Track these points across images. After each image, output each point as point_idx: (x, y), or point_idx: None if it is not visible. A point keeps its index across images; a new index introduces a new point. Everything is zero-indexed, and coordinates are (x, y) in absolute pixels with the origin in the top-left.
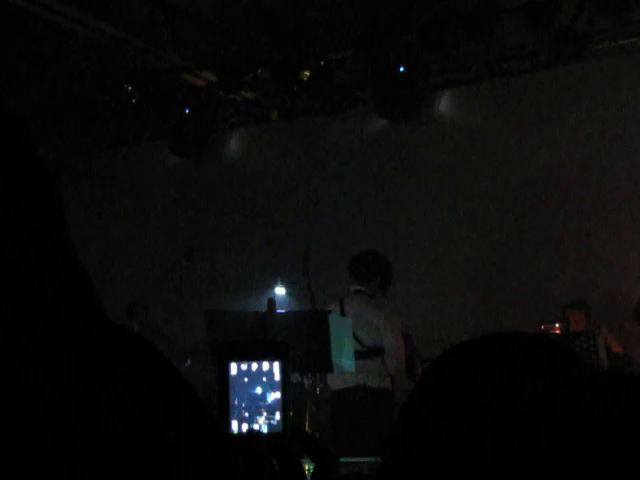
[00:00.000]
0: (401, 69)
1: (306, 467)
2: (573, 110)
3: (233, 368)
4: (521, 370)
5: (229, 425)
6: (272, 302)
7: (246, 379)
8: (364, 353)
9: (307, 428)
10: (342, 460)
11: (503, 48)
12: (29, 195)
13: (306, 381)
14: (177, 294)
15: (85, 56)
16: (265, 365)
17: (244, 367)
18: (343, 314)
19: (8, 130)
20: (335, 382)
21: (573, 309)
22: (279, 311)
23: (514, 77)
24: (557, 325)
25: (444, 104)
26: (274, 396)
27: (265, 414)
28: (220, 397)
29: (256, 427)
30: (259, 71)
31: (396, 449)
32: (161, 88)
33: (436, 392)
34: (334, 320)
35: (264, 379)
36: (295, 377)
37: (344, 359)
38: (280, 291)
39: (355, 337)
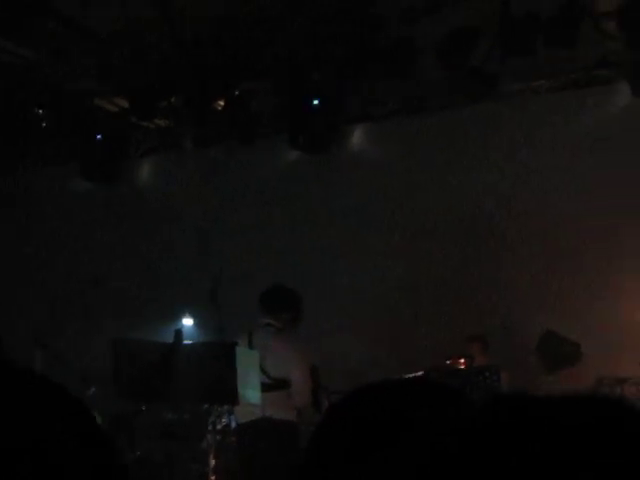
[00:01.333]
0: (315, 102)
1: None
2: (485, 147)
3: None
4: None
5: None
6: (179, 333)
7: None
8: (271, 385)
9: (212, 459)
10: None
11: (418, 85)
12: None
13: (215, 411)
14: (83, 322)
15: None
16: None
17: None
18: (251, 347)
19: None
20: (240, 414)
21: (471, 342)
22: (186, 342)
23: (428, 113)
24: (462, 360)
25: (358, 138)
26: None
27: None
28: None
29: None
30: (173, 99)
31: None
32: (74, 112)
33: (339, 434)
34: (241, 352)
35: None
36: (203, 409)
37: (250, 391)
38: (188, 322)
39: (262, 370)
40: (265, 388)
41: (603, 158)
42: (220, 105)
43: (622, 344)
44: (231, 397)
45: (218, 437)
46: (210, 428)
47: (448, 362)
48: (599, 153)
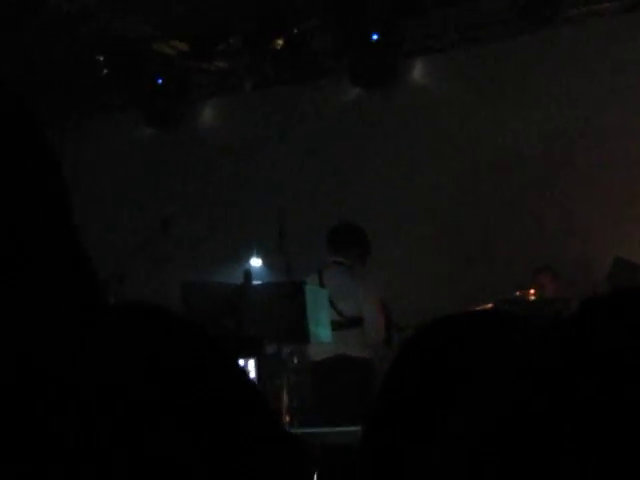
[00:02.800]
0: (374, 37)
1: None
2: (545, 78)
3: None
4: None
5: None
6: (248, 274)
7: None
8: (344, 323)
9: (285, 399)
10: (323, 430)
11: (475, 15)
12: (33, 180)
13: (285, 352)
14: (152, 265)
15: (55, 27)
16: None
17: None
18: (322, 285)
19: (15, 113)
20: (314, 352)
21: (540, 273)
22: (255, 282)
23: (487, 45)
24: (532, 291)
25: (418, 72)
26: None
27: None
28: None
29: None
30: (231, 40)
31: (375, 423)
32: (132, 58)
33: (412, 370)
34: (310, 291)
35: None
36: (272, 348)
37: (321, 330)
38: (256, 263)
39: (334, 308)
40: (338, 326)
41: None
42: (279, 44)
43: None
44: (301, 336)
45: (292, 376)
46: (281, 368)
47: (517, 293)
48: None
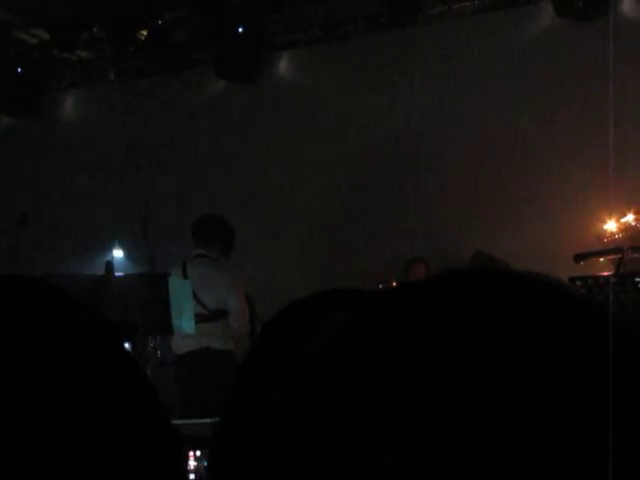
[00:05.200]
0: (240, 29)
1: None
2: (410, 74)
3: None
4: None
5: None
6: (110, 265)
7: None
8: (208, 316)
9: None
10: (187, 422)
11: (340, 11)
12: None
13: (149, 343)
14: (11, 258)
15: None
16: None
17: None
18: (186, 278)
19: None
20: (178, 346)
21: (413, 265)
22: (117, 274)
23: (351, 40)
24: (394, 284)
25: (283, 66)
26: None
27: None
28: None
29: None
30: (94, 30)
31: (230, 409)
32: None
33: (270, 351)
34: (173, 282)
35: None
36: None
37: (184, 322)
38: (118, 254)
39: (198, 300)
40: (202, 319)
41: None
42: (143, 35)
43: (546, 267)
44: (165, 327)
45: (155, 370)
46: (145, 361)
47: (381, 287)
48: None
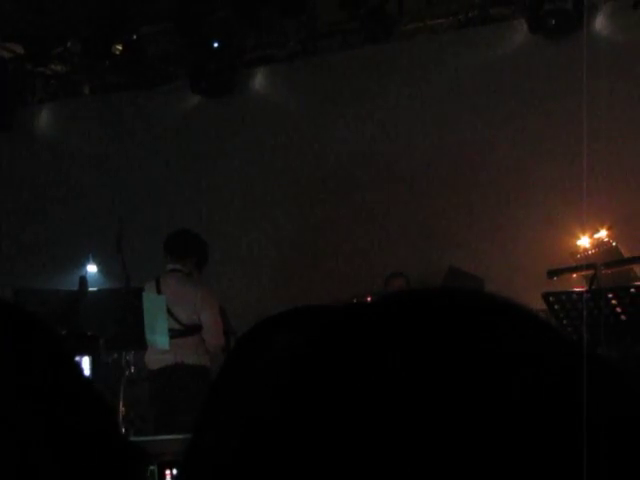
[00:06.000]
0: (215, 45)
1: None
2: (385, 89)
3: None
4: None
5: None
6: (84, 280)
7: None
8: (182, 331)
9: (122, 407)
10: (161, 438)
11: (316, 26)
12: None
13: (123, 359)
14: None
15: None
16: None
17: None
18: (159, 293)
19: None
20: (152, 361)
21: (394, 279)
22: (91, 289)
23: (326, 56)
24: (369, 299)
25: (258, 81)
26: None
27: None
28: None
29: None
30: (69, 44)
31: (199, 426)
32: None
33: (240, 367)
34: (147, 298)
35: None
36: (110, 356)
37: (158, 337)
38: (92, 269)
39: (172, 315)
40: (176, 334)
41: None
42: (118, 50)
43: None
44: (138, 342)
45: (128, 386)
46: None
47: (355, 301)
48: (497, 91)
